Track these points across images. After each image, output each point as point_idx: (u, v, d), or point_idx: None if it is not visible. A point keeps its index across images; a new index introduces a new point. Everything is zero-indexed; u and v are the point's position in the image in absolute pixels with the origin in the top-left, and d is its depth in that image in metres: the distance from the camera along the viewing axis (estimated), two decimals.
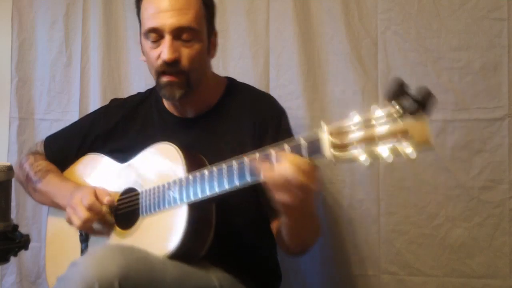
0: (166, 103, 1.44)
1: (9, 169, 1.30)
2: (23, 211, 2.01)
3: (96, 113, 1.59)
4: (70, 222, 1.31)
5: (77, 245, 1.38)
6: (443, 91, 1.62)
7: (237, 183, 1.11)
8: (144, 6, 1.33)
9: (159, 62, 1.29)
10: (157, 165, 1.30)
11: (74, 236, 1.37)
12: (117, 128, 1.48)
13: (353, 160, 0.95)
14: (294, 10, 1.75)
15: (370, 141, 0.93)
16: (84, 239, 1.36)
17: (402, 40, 1.66)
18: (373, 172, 1.67)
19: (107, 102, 1.85)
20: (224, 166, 1.14)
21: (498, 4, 1.58)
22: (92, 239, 1.35)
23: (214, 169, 1.16)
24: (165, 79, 1.31)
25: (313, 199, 1.09)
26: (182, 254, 1.17)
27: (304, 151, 1.03)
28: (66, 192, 1.38)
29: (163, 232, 1.22)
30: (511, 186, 1.57)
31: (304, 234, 1.24)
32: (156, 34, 1.29)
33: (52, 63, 2.02)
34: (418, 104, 0.90)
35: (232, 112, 1.39)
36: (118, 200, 1.34)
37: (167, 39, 1.27)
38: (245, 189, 1.12)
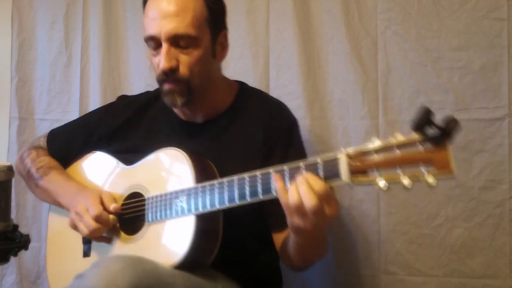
0: None
1: (9, 169, 1.30)
2: (23, 211, 2.01)
3: (102, 110, 1.56)
4: (75, 228, 1.30)
5: (79, 246, 1.37)
6: (443, 91, 1.62)
7: (248, 199, 1.09)
8: (145, 11, 1.31)
9: (158, 70, 1.27)
10: (165, 171, 1.28)
11: (76, 237, 1.35)
12: (123, 128, 1.45)
13: (371, 185, 0.94)
14: (294, 10, 1.75)
15: (390, 166, 0.91)
16: (87, 241, 1.35)
17: (402, 40, 1.66)
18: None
19: (107, 102, 1.85)
20: (235, 179, 1.12)
21: (498, 4, 1.58)
22: (96, 243, 1.33)
23: (225, 181, 1.14)
24: (166, 87, 1.29)
25: (330, 222, 1.05)
26: (188, 264, 1.16)
27: (321, 172, 1.00)
28: (69, 193, 1.37)
29: (169, 242, 1.20)
30: (511, 186, 1.57)
31: (311, 252, 1.22)
32: (155, 42, 1.27)
33: (52, 63, 2.02)
34: (443, 132, 0.88)
35: (242, 119, 1.36)
36: (123, 204, 1.32)
37: (164, 47, 1.24)
38: None
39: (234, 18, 1.82)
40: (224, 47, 1.35)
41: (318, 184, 0.98)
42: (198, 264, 1.19)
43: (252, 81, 1.70)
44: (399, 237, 1.66)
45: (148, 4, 1.30)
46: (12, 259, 1.37)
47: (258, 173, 1.09)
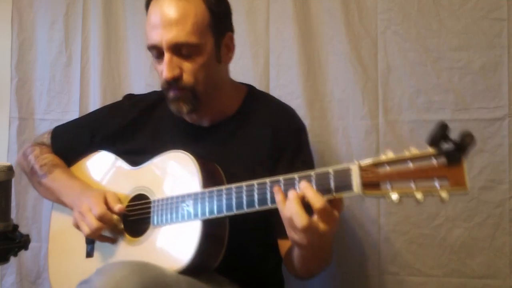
0: None
1: (9, 169, 1.30)
2: (23, 211, 2.01)
3: (108, 110, 1.54)
4: (77, 227, 1.29)
5: (82, 245, 1.37)
6: (443, 91, 1.62)
7: (257, 206, 1.08)
8: (147, 19, 1.28)
9: (162, 79, 1.25)
10: (171, 174, 1.26)
11: (79, 236, 1.34)
12: (128, 129, 1.44)
13: (383, 197, 0.93)
14: (294, 10, 1.75)
15: (403, 179, 0.90)
16: (90, 241, 1.35)
17: (402, 40, 1.66)
18: None
19: (107, 102, 1.85)
20: (244, 186, 1.10)
21: (498, 4, 1.58)
22: (99, 242, 1.33)
23: (233, 188, 1.12)
24: (171, 94, 1.27)
25: (329, 239, 1.03)
26: (193, 269, 1.15)
27: (332, 183, 0.99)
28: (73, 192, 1.36)
29: (175, 247, 1.19)
30: (511, 186, 1.57)
31: (314, 264, 1.20)
32: (157, 51, 1.25)
33: (52, 63, 2.02)
34: (458, 147, 0.87)
35: (249, 124, 1.35)
36: (128, 205, 1.31)
37: (166, 57, 1.22)
38: None
39: (234, 18, 1.79)
40: (229, 49, 1.33)
41: (318, 203, 0.97)
42: (203, 270, 1.18)
43: (252, 81, 1.69)
44: (399, 237, 1.66)
45: (150, 11, 1.27)
46: (12, 259, 1.37)
47: (267, 180, 1.07)
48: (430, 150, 0.89)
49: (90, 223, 1.24)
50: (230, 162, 1.27)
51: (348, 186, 0.97)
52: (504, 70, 1.58)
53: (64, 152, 1.49)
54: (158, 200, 1.25)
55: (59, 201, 1.41)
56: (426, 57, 1.64)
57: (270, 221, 1.24)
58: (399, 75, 1.67)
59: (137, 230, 1.27)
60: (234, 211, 1.11)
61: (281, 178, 1.05)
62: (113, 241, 1.29)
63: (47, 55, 2.03)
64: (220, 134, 1.35)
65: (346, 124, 1.71)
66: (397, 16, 1.67)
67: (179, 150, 1.26)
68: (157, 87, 1.81)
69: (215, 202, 1.14)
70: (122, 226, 1.29)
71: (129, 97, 1.54)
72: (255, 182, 1.09)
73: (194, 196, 1.18)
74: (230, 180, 1.19)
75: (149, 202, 1.27)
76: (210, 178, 1.20)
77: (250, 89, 1.43)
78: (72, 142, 1.50)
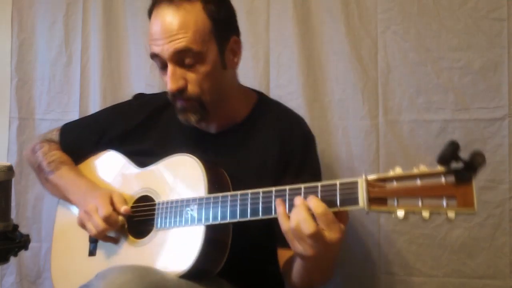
0: None
1: (9, 169, 1.29)
2: (23, 211, 2.01)
3: (118, 109, 1.53)
4: (83, 226, 1.29)
5: (86, 244, 1.37)
6: (443, 91, 1.62)
7: (261, 215, 1.07)
8: (149, 28, 1.26)
9: (168, 90, 1.24)
10: (177, 177, 1.26)
11: (83, 235, 1.35)
12: (137, 130, 1.43)
13: (389, 213, 0.92)
14: (294, 10, 1.75)
15: (410, 196, 0.89)
16: (94, 240, 1.35)
17: (402, 40, 1.66)
18: (373, 172, 1.66)
19: (107, 102, 1.86)
20: (249, 193, 1.10)
21: (498, 4, 1.58)
22: (102, 242, 1.33)
23: (238, 194, 1.12)
24: (178, 104, 1.26)
25: (335, 248, 1.02)
26: (194, 274, 1.15)
27: (337, 195, 0.98)
28: (79, 190, 1.36)
29: (177, 250, 1.19)
30: (511, 186, 1.57)
31: (317, 275, 1.17)
32: (160, 61, 1.24)
33: (52, 63, 2.02)
34: (468, 167, 0.85)
35: (258, 131, 1.33)
36: (132, 206, 1.31)
37: (169, 68, 1.21)
38: None
39: None
40: (235, 53, 1.31)
41: (319, 208, 0.97)
42: (204, 274, 1.18)
43: (252, 81, 1.70)
44: (399, 237, 1.65)
45: (151, 22, 1.26)
46: (12, 259, 1.37)
47: (273, 189, 1.07)
48: (440, 168, 0.88)
49: (97, 224, 1.24)
50: (237, 169, 1.26)
51: (353, 200, 0.96)
52: (504, 70, 1.58)
53: (72, 149, 1.50)
54: (163, 203, 1.24)
55: (65, 198, 1.42)
56: (426, 57, 1.64)
57: (273, 227, 1.24)
58: (399, 75, 1.67)
59: (141, 231, 1.27)
60: (238, 219, 1.11)
61: (287, 188, 1.05)
62: (116, 241, 1.29)
63: (47, 55, 2.02)
64: (228, 141, 1.34)
65: (346, 124, 1.71)
66: (397, 16, 1.67)
67: (187, 154, 1.25)
68: (158, 87, 1.83)
69: (219, 209, 1.13)
70: (126, 226, 1.29)
71: (139, 97, 1.53)
72: (260, 191, 1.08)
73: (199, 201, 1.17)
74: (236, 187, 1.18)
75: (154, 204, 1.27)
76: (216, 184, 1.19)
77: (260, 96, 1.42)
78: (80, 140, 1.50)
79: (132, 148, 1.42)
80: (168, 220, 1.22)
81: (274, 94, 1.75)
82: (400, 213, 0.90)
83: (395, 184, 0.91)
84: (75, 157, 1.50)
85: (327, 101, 1.73)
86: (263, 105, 1.39)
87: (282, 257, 1.28)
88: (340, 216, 1.00)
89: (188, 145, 1.33)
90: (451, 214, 0.86)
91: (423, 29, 1.64)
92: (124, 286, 1.00)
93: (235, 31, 1.32)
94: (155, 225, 1.24)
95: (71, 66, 2.01)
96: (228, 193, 1.14)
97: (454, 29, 1.62)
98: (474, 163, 0.84)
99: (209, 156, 1.28)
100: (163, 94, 1.47)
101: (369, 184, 0.94)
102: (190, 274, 1.14)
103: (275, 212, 1.05)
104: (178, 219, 1.20)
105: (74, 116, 1.95)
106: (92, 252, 1.36)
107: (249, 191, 1.10)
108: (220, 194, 1.15)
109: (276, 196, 1.06)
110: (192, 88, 1.23)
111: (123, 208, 1.26)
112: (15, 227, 1.33)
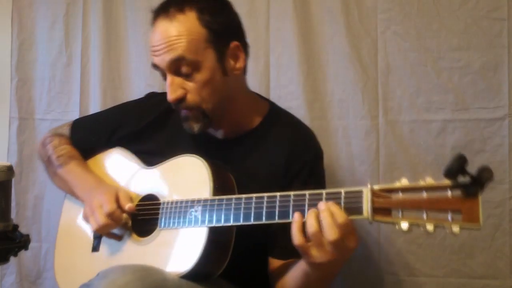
0: None
1: (9, 169, 1.30)
2: (23, 211, 2.01)
3: (130, 107, 1.53)
4: (87, 221, 1.30)
5: (90, 239, 1.37)
6: (443, 91, 1.62)
7: (264, 220, 1.08)
8: (150, 38, 1.28)
9: (168, 100, 1.25)
10: (183, 178, 1.26)
11: (87, 230, 1.37)
12: (147, 129, 1.43)
13: (392, 224, 0.92)
14: (294, 10, 1.75)
15: (415, 208, 0.89)
16: (97, 236, 1.36)
17: (402, 40, 1.66)
18: (373, 172, 1.67)
19: (107, 102, 1.86)
20: (253, 197, 1.10)
21: (498, 4, 1.58)
22: (105, 238, 1.33)
23: (243, 198, 1.12)
24: (182, 113, 1.28)
25: (348, 255, 1.02)
26: (196, 275, 1.15)
27: (342, 204, 0.98)
28: (86, 185, 1.37)
29: (179, 251, 1.19)
30: (511, 186, 1.57)
31: (318, 286, 1.17)
32: (161, 71, 1.25)
33: (52, 63, 2.02)
34: (475, 182, 0.84)
35: (267, 141, 1.33)
36: (138, 205, 1.31)
37: (168, 78, 1.23)
38: None
39: None
40: (237, 58, 1.28)
41: (341, 216, 0.97)
42: (206, 276, 1.18)
43: (252, 81, 1.69)
44: (399, 237, 1.65)
45: (152, 31, 1.27)
46: (12, 259, 1.37)
47: (277, 194, 1.07)
48: (446, 181, 0.87)
49: (99, 219, 1.24)
50: (244, 177, 1.26)
51: (358, 209, 0.96)
52: (504, 70, 1.58)
53: (82, 145, 1.51)
54: (168, 203, 1.25)
55: (71, 193, 1.43)
56: (426, 57, 1.64)
57: (270, 237, 1.25)
58: (399, 75, 1.67)
59: (144, 230, 1.27)
60: (241, 222, 1.11)
61: (291, 194, 1.06)
62: (119, 238, 1.30)
63: (47, 55, 2.02)
64: (237, 148, 1.34)
65: (346, 124, 1.71)
66: (397, 16, 1.67)
67: (194, 155, 1.25)
68: (158, 88, 1.82)
69: (223, 211, 1.14)
70: (130, 224, 1.29)
71: (151, 96, 1.53)
72: (265, 195, 1.09)
73: (204, 203, 1.17)
74: (241, 193, 1.17)
75: (159, 204, 1.27)
76: (221, 186, 1.19)
77: (272, 106, 1.42)
78: (91, 136, 1.51)
79: (141, 147, 1.43)
80: (171, 220, 1.22)
81: (274, 94, 1.75)
82: (404, 225, 0.90)
83: (400, 195, 0.91)
84: (85, 153, 1.51)
85: (327, 101, 1.73)
86: (275, 115, 1.39)
87: (273, 266, 1.28)
88: None
89: (196, 148, 1.32)
90: (455, 229, 0.86)
91: (423, 29, 1.64)
92: (125, 286, 1.01)
93: (236, 36, 1.31)
94: (158, 224, 1.25)
95: (71, 66, 2.01)
96: (233, 196, 1.14)
97: (454, 29, 1.62)
98: (482, 178, 0.84)
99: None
100: None
101: (374, 194, 0.93)
102: (192, 275, 1.14)
103: (279, 218, 1.05)
104: (181, 220, 1.20)
105: (74, 116, 1.94)
106: (95, 248, 1.36)
107: (254, 195, 1.11)
108: (225, 197, 1.15)
109: (280, 202, 1.06)
110: (191, 97, 1.24)
111: (128, 206, 1.26)
112: (15, 227, 1.33)
